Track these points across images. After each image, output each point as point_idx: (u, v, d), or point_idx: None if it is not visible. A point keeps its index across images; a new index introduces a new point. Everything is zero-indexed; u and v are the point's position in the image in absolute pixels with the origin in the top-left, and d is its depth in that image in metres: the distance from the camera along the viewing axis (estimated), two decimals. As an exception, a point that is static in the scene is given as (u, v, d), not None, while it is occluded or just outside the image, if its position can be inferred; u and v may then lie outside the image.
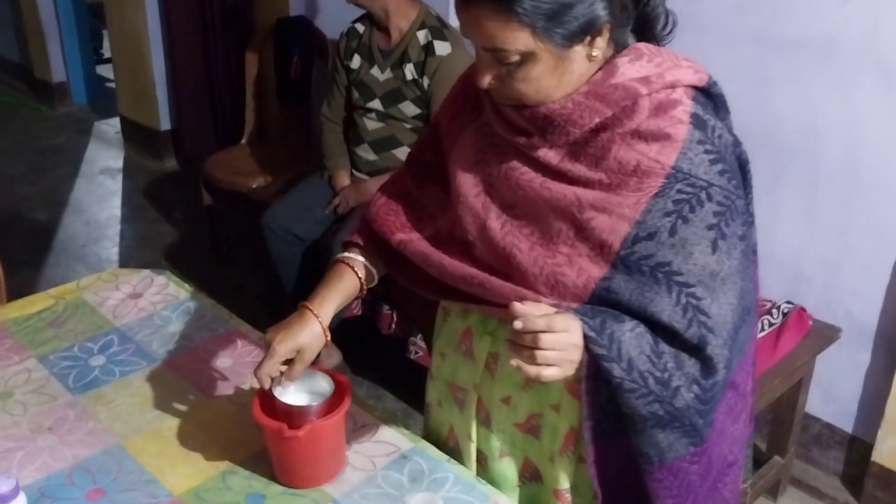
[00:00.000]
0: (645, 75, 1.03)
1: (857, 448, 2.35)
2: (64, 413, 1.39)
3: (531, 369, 0.98)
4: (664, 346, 1.04)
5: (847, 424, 2.37)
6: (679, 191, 1.02)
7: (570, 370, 1.02)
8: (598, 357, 1.02)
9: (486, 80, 1.04)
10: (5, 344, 1.57)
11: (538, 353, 0.98)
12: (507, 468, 1.26)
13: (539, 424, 1.21)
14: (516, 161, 1.11)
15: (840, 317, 2.27)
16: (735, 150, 1.09)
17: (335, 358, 2.82)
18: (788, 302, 2.27)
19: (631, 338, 1.02)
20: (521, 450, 1.24)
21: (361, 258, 1.29)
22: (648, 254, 1.03)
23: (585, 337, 1.01)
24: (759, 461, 2.34)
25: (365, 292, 1.29)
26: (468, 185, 1.16)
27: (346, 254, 1.30)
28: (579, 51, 1.01)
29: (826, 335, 2.22)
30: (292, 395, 1.26)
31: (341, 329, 2.76)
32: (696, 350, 1.04)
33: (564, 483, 1.21)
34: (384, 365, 2.83)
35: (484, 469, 1.29)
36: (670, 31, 1.12)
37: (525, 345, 0.98)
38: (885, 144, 2.09)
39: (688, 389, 1.04)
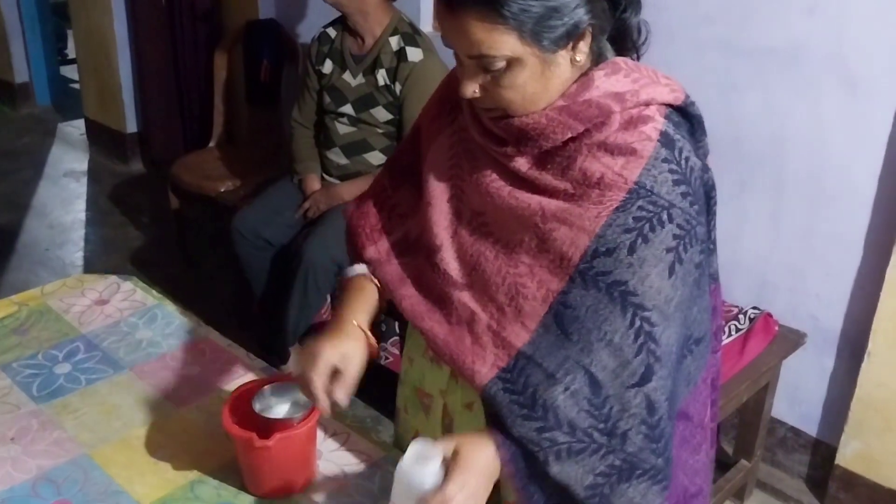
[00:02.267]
0: (620, 91, 1.03)
1: (822, 451, 2.39)
2: (28, 422, 1.37)
3: None
4: (607, 390, 1.02)
5: (812, 428, 2.41)
6: (640, 207, 1.00)
7: (482, 500, 1.03)
8: (538, 430, 1.02)
9: (471, 90, 1.03)
10: (-33, 352, 1.54)
11: None
12: None
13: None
14: (488, 168, 1.11)
15: (805, 322, 2.31)
16: (703, 176, 1.07)
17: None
18: (755, 308, 2.30)
19: (565, 399, 1.01)
20: None
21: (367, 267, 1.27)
22: (606, 270, 1.02)
23: (517, 415, 1.03)
24: (725, 464, 2.37)
25: (385, 303, 1.25)
26: (440, 189, 1.16)
27: (355, 268, 1.27)
28: (564, 55, 1.01)
29: (792, 340, 2.25)
30: (271, 406, 1.25)
31: (311, 335, 2.75)
32: (640, 384, 1.02)
33: None
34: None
35: None
36: (645, 41, 1.12)
37: None
38: (849, 152, 2.13)
39: (636, 431, 1.02)
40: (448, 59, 2.70)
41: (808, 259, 2.27)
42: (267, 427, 1.19)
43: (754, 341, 2.19)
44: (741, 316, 2.25)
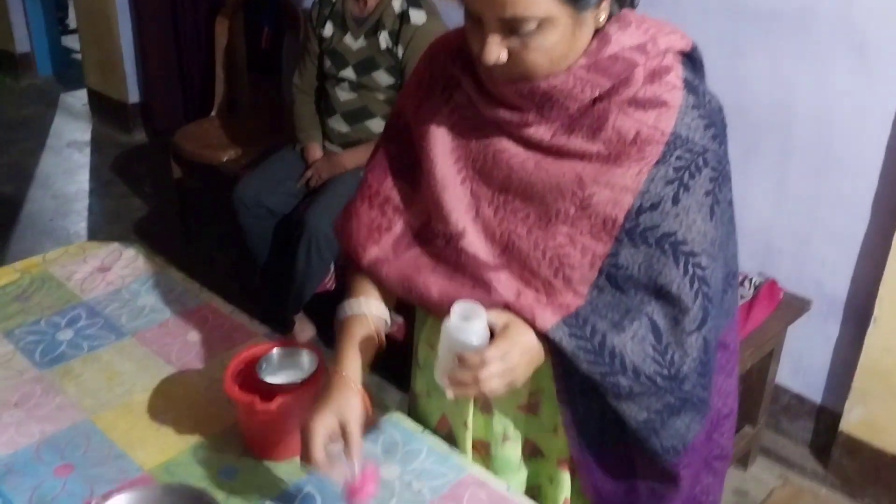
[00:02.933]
0: (639, 43, 1.02)
1: (826, 418, 2.39)
2: (31, 388, 1.37)
3: (480, 395, 1.03)
4: (668, 337, 1.05)
5: (816, 395, 2.40)
6: (678, 157, 1.02)
7: (521, 381, 1.04)
8: (602, 374, 1.04)
9: (496, 55, 0.97)
10: (-31, 318, 1.54)
11: (481, 387, 1.00)
12: (511, 451, 1.25)
13: (539, 401, 1.20)
14: (504, 142, 1.08)
15: (810, 289, 2.30)
16: (721, 115, 1.09)
17: (308, 332, 2.81)
18: (760, 274, 2.29)
19: (633, 346, 1.04)
20: (522, 431, 1.23)
21: (363, 299, 1.19)
22: (653, 224, 1.03)
23: (583, 360, 1.03)
24: (729, 431, 2.37)
25: (383, 340, 1.20)
26: (451, 172, 1.12)
27: (345, 308, 1.20)
28: (589, 15, 0.99)
29: (796, 307, 2.24)
30: (274, 371, 1.25)
31: (315, 303, 2.75)
32: (699, 328, 1.05)
33: (567, 452, 1.21)
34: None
35: (485, 456, 1.27)
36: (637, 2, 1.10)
37: (468, 382, 1.00)
38: (857, 118, 2.10)
39: (694, 371, 1.07)
40: (451, 21, 2.66)
41: (814, 225, 2.26)
42: (269, 392, 1.19)
43: (759, 308, 2.18)
44: (746, 283, 2.24)
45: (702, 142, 1.03)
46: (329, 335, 2.86)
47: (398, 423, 1.30)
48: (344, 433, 1.08)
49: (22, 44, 5.40)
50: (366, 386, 1.14)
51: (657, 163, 1.02)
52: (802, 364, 2.39)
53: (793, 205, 2.28)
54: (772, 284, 2.23)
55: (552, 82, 1.01)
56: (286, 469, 1.21)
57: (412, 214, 1.18)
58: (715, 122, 1.05)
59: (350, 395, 1.10)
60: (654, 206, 1.03)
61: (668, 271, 1.04)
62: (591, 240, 1.05)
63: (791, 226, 2.30)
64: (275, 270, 2.76)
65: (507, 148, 1.08)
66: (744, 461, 2.40)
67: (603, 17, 1.02)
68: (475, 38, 1.00)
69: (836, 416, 2.33)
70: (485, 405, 1.23)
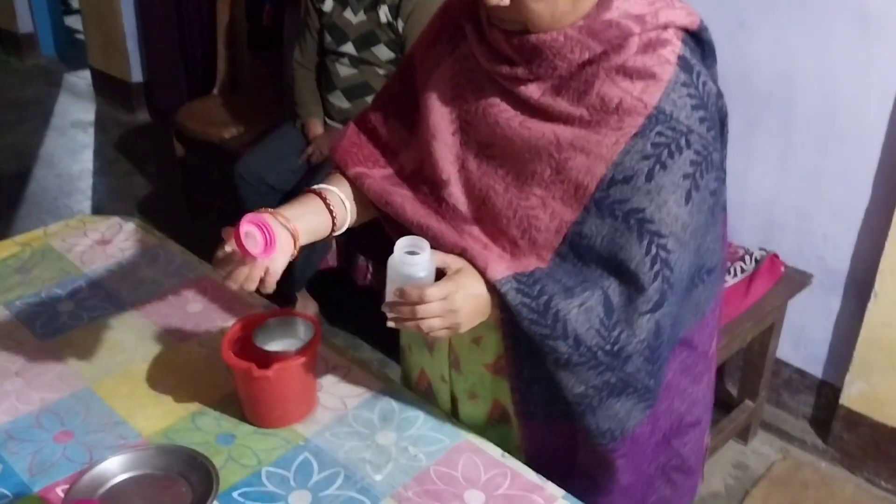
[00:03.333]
0: (639, 13, 1.01)
1: (826, 392, 2.39)
2: (31, 357, 1.38)
3: (419, 331, 1.02)
4: (619, 314, 1.02)
5: (817, 369, 2.41)
6: (659, 133, 0.99)
7: (465, 327, 1.03)
8: (542, 336, 1.01)
9: None
10: (-30, 290, 1.55)
11: (419, 322, 1.00)
12: (476, 410, 1.26)
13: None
14: (495, 97, 1.08)
15: (812, 263, 2.29)
16: (718, 102, 1.06)
17: (311, 309, 2.82)
18: (761, 249, 2.28)
19: (578, 314, 1.01)
20: (491, 391, 1.23)
21: (336, 190, 1.19)
22: (623, 198, 1.00)
23: (524, 318, 1.02)
24: (729, 405, 2.38)
25: (335, 231, 1.19)
26: (444, 122, 1.12)
27: (321, 185, 1.20)
28: None
29: (797, 281, 2.24)
30: (271, 339, 1.26)
31: (317, 281, 2.76)
32: (653, 310, 1.02)
33: None
34: (360, 316, 2.82)
35: (454, 411, 1.29)
36: None
37: (406, 315, 1.01)
38: (860, 90, 2.09)
39: (640, 354, 1.04)
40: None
41: (816, 199, 2.25)
42: (266, 359, 1.20)
43: (759, 282, 2.18)
44: (747, 257, 2.23)
45: (687, 121, 0.99)
46: (332, 312, 2.87)
47: (395, 393, 1.31)
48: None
49: (25, 24, 5.40)
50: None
51: (635, 135, 0.99)
52: (803, 338, 2.40)
53: (795, 179, 2.28)
54: (773, 258, 2.23)
55: (543, 37, 1.00)
56: (283, 435, 1.22)
57: (406, 158, 1.19)
58: (706, 105, 1.01)
59: (284, 239, 1.11)
60: (626, 180, 1.00)
61: (630, 247, 1.01)
62: (561, 205, 1.04)
63: (793, 200, 2.30)
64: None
65: (497, 104, 1.07)
66: (744, 435, 2.41)
67: None
68: None
69: (836, 390, 2.33)
70: (454, 361, 1.24)
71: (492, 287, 1.04)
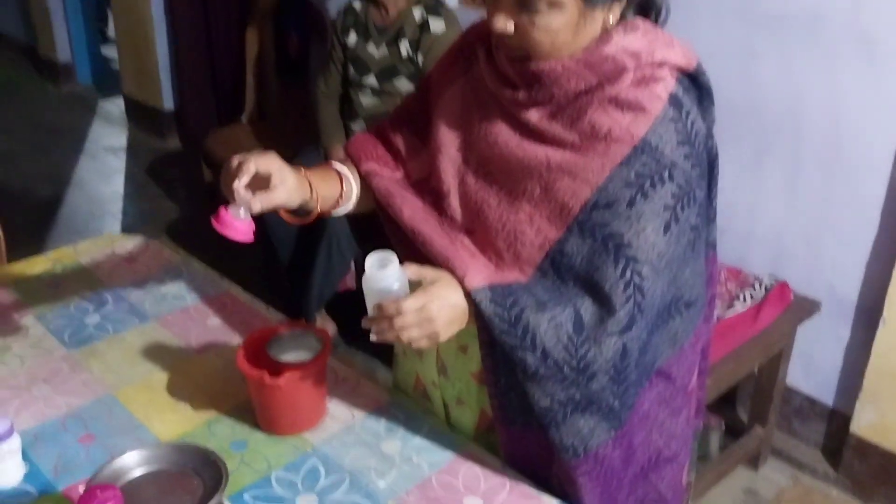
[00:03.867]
0: (636, 50, 1.06)
1: (837, 420, 2.40)
2: (59, 366, 1.46)
3: (400, 343, 1.07)
4: (589, 332, 1.05)
5: (827, 397, 2.42)
6: (643, 163, 1.04)
7: (443, 336, 1.08)
8: (511, 347, 1.06)
9: (503, 23, 1.04)
10: (4, 302, 1.64)
11: (398, 334, 1.05)
12: (464, 416, 1.30)
13: None
14: (498, 119, 1.15)
15: (821, 291, 2.32)
16: (707, 142, 1.11)
17: (330, 330, 2.89)
18: (771, 276, 2.31)
19: (547, 328, 1.05)
20: (478, 401, 1.27)
21: (349, 172, 1.27)
22: (604, 222, 1.05)
23: (496, 327, 1.06)
24: (739, 431, 2.40)
25: (339, 204, 1.25)
26: (451, 137, 1.20)
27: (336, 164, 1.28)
28: (600, 14, 1.05)
29: (806, 308, 2.27)
30: (283, 350, 1.32)
31: (335, 302, 2.83)
32: (621, 332, 1.06)
33: None
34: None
35: (447, 417, 1.34)
36: (665, 19, 1.15)
37: (384, 328, 1.06)
38: (867, 119, 2.13)
39: (604, 373, 1.07)
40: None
41: (824, 227, 2.28)
42: (279, 369, 1.26)
43: (768, 309, 2.21)
44: (756, 284, 2.27)
45: (671, 156, 1.04)
46: (350, 333, 2.93)
47: (401, 404, 1.37)
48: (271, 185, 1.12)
49: (63, 53, 5.59)
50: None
51: (620, 163, 1.04)
52: (814, 366, 2.41)
53: (804, 207, 2.31)
54: (782, 286, 2.26)
55: (542, 66, 1.06)
56: (293, 442, 1.28)
57: (414, 167, 1.27)
58: (692, 143, 1.06)
59: (293, 171, 1.15)
60: (608, 205, 1.05)
61: (606, 269, 1.05)
62: (546, 223, 1.09)
63: (802, 228, 2.33)
64: (298, 269, 2.84)
65: (499, 124, 1.14)
66: (754, 461, 2.42)
67: (613, 20, 1.07)
68: (491, 6, 1.06)
69: (847, 418, 2.34)
70: (441, 368, 1.29)
71: (470, 296, 1.09)
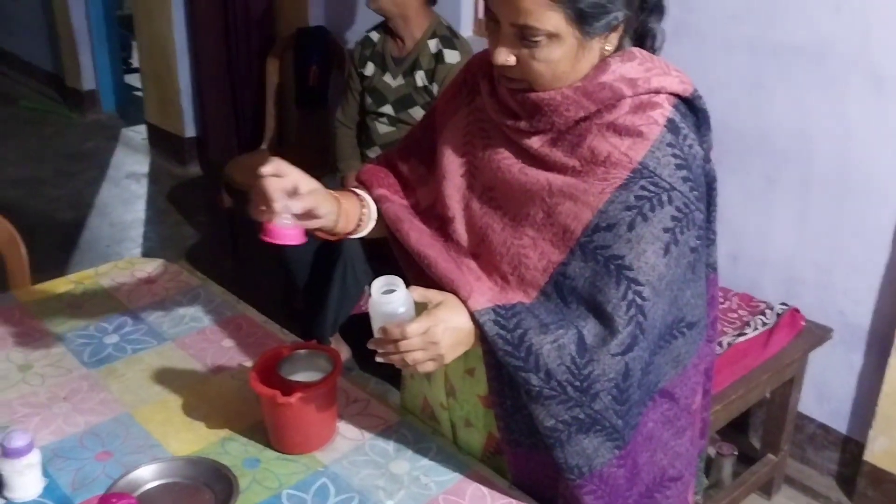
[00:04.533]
0: (632, 77, 1.10)
1: (851, 448, 2.40)
2: (78, 384, 1.50)
3: (405, 366, 1.09)
4: (592, 354, 1.07)
5: (841, 425, 2.41)
6: (642, 187, 1.07)
7: (448, 358, 1.11)
8: (515, 368, 1.08)
9: (504, 57, 1.08)
10: (27, 322, 1.68)
11: (404, 356, 1.08)
12: (472, 438, 1.32)
13: None
14: (501, 146, 1.19)
15: (833, 318, 2.33)
16: (704, 165, 1.14)
17: (344, 354, 2.92)
18: (783, 303, 2.32)
19: (550, 350, 1.07)
20: (485, 424, 1.29)
21: (367, 196, 1.31)
22: (605, 244, 1.08)
23: (500, 348, 1.08)
24: (752, 458, 2.39)
25: (359, 229, 1.28)
26: (455, 164, 1.24)
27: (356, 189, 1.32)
28: (597, 43, 1.09)
29: (817, 335, 2.28)
30: (295, 370, 1.35)
31: (350, 326, 2.86)
32: (624, 353, 1.08)
33: None
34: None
35: (454, 437, 1.36)
36: (660, 47, 1.19)
37: (390, 351, 1.09)
38: (875, 148, 2.15)
39: (607, 392, 1.09)
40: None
41: (836, 255, 2.30)
42: (290, 389, 1.29)
43: (779, 335, 2.22)
44: (768, 311, 2.28)
45: (670, 179, 1.07)
46: (364, 357, 2.96)
47: (410, 425, 1.39)
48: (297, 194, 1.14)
49: (88, 82, 5.72)
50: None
51: (620, 187, 1.07)
52: (827, 394, 2.41)
53: (815, 234, 2.33)
54: (793, 313, 2.27)
55: (542, 95, 1.10)
56: (304, 462, 1.31)
57: (422, 194, 1.30)
58: (690, 166, 1.09)
59: (318, 185, 1.17)
60: (609, 227, 1.08)
61: (608, 291, 1.07)
62: (550, 246, 1.12)
63: (813, 255, 2.34)
64: (313, 293, 2.88)
65: (502, 152, 1.18)
66: (767, 489, 2.41)
67: (610, 48, 1.11)
68: (493, 39, 1.10)
69: (860, 446, 2.34)
70: (450, 389, 1.31)
71: (475, 318, 1.11)
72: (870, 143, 2.16)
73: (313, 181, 1.17)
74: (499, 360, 1.11)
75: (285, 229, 1.14)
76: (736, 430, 2.54)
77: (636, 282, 1.07)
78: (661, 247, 1.07)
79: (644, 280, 1.07)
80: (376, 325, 1.12)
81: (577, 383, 1.08)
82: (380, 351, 1.11)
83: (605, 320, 1.08)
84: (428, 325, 1.08)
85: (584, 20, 1.04)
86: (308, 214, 1.16)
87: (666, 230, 1.07)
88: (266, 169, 1.13)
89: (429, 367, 1.10)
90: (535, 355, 1.07)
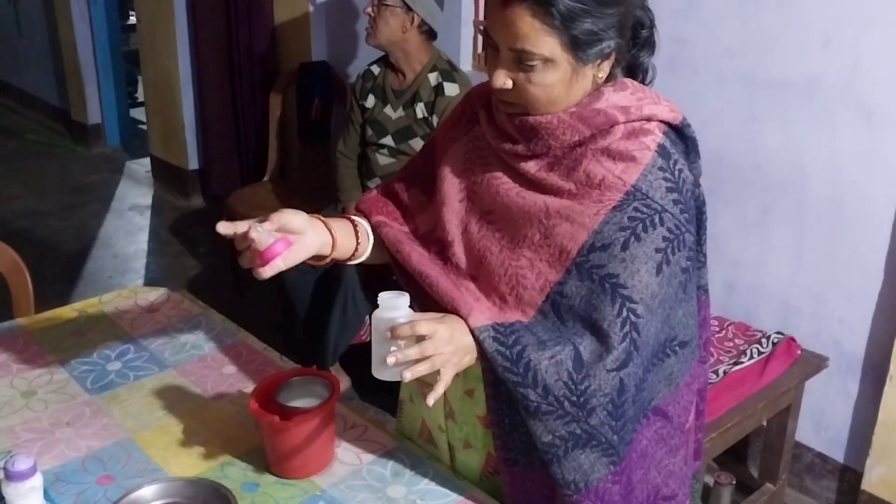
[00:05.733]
0: (625, 105, 1.15)
1: (849, 477, 2.40)
2: (81, 410, 1.52)
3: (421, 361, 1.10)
4: (588, 369, 1.10)
5: (838, 454, 2.42)
6: (635, 208, 1.11)
7: (446, 367, 1.11)
8: (514, 384, 1.11)
9: (502, 80, 1.12)
10: (31, 349, 1.71)
11: (424, 349, 1.09)
12: (471, 459, 1.34)
13: None
14: (499, 171, 1.23)
15: (829, 347, 2.35)
16: (694, 189, 1.19)
17: (343, 384, 2.93)
18: (779, 332, 2.34)
19: (548, 366, 1.10)
20: (484, 444, 1.31)
21: (364, 222, 1.33)
22: (600, 263, 1.12)
23: (499, 364, 1.11)
24: (750, 488, 2.40)
25: (356, 256, 1.31)
26: (454, 190, 1.28)
27: (354, 216, 1.34)
28: (590, 70, 1.13)
29: (813, 363, 2.29)
30: (293, 396, 1.37)
31: (350, 356, 2.88)
32: (619, 368, 1.11)
33: None
34: (391, 391, 2.92)
35: (452, 459, 1.38)
36: (651, 82, 1.24)
37: (412, 355, 1.09)
38: (866, 179, 2.19)
39: (603, 408, 1.11)
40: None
41: (830, 284, 2.32)
42: (288, 415, 1.31)
43: (775, 363, 2.23)
44: (764, 340, 2.30)
45: (661, 201, 1.12)
46: (363, 386, 2.97)
47: (407, 450, 1.41)
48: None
49: (94, 115, 5.81)
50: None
51: (614, 208, 1.12)
52: (824, 422, 2.42)
53: (810, 264, 2.36)
54: (789, 341, 2.29)
55: (539, 119, 1.15)
56: (302, 486, 1.33)
57: (421, 221, 1.34)
58: (680, 190, 1.13)
59: (317, 224, 1.21)
60: (604, 247, 1.12)
61: (604, 308, 1.11)
62: (546, 267, 1.16)
63: (809, 284, 2.37)
64: (314, 323, 2.91)
65: (500, 177, 1.22)
66: (766, 519, 2.41)
67: (603, 75, 1.16)
68: (491, 64, 1.15)
69: (858, 475, 2.34)
70: (449, 412, 1.34)
71: (475, 335, 1.14)
72: (861, 174, 2.20)
73: (295, 213, 1.19)
74: (497, 377, 1.14)
75: (271, 247, 1.14)
76: (734, 459, 2.55)
77: (630, 299, 1.11)
78: (654, 266, 1.11)
79: (638, 298, 1.11)
80: (378, 333, 1.14)
81: (574, 398, 1.11)
82: (397, 358, 1.09)
83: (600, 337, 1.12)
84: (437, 328, 1.10)
85: (577, 46, 1.09)
86: (283, 230, 1.16)
87: (658, 250, 1.12)
88: (220, 228, 1.16)
89: (424, 366, 1.10)
90: (533, 371, 1.10)
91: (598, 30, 1.08)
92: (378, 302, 1.15)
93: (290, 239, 1.17)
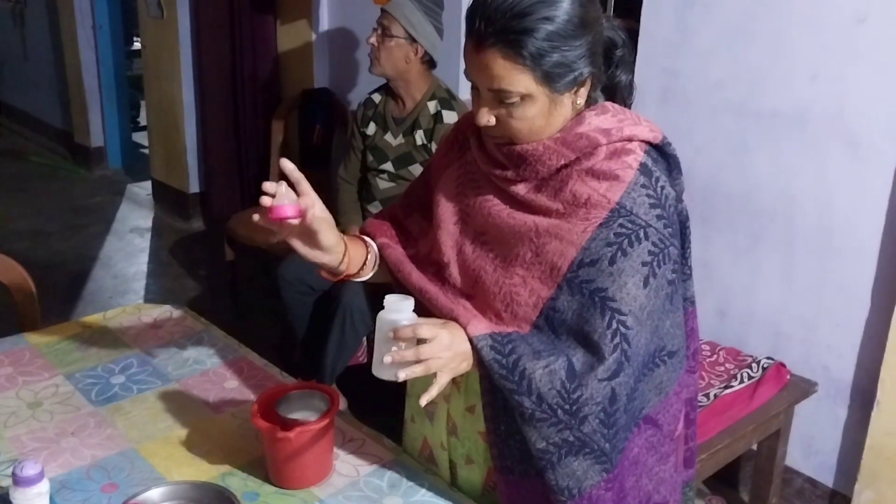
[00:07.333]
0: (607, 128, 1.21)
1: (838, 502, 2.43)
2: (86, 421, 1.56)
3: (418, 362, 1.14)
4: (581, 379, 1.15)
5: (828, 478, 2.45)
6: (621, 224, 1.17)
7: (443, 371, 1.16)
8: (509, 391, 1.16)
9: (486, 119, 1.19)
10: (37, 363, 1.75)
11: (421, 352, 1.13)
12: (473, 474, 1.39)
13: None
14: (490, 194, 1.29)
15: (818, 372, 2.39)
16: (676, 205, 1.25)
17: (340, 404, 2.96)
18: (769, 358, 2.39)
19: (542, 375, 1.15)
20: (485, 459, 1.35)
21: (373, 242, 1.40)
22: (590, 278, 1.18)
23: (495, 372, 1.16)
24: (741, 511, 2.43)
25: (363, 272, 1.36)
26: (448, 213, 1.34)
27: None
28: (568, 98, 1.19)
29: (802, 388, 2.34)
30: (293, 408, 1.41)
31: (347, 376, 2.91)
32: (610, 378, 1.15)
33: None
34: (389, 412, 2.95)
35: (453, 476, 1.42)
36: (632, 100, 1.31)
37: (408, 357, 1.14)
38: (854, 208, 2.25)
39: (595, 416, 1.16)
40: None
41: (819, 311, 2.37)
42: (288, 427, 1.35)
43: (765, 388, 2.28)
44: (754, 365, 2.34)
45: (645, 217, 1.17)
46: (360, 407, 3.00)
47: (403, 463, 1.45)
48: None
49: (97, 139, 5.88)
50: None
51: (600, 225, 1.17)
52: (813, 447, 2.46)
53: (799, 290, 2.41)
54: (779, 367, 2.34)
55: (525, 147, 1.21)
56: (301, 496, 1.36)
57: (422, 245, 1.40)
58: (664, 206, 1.19)
59: (326, 212, 1.25)
60: (592, 263, 1.17)
61: (594, 321, 1.16)
62: (539, 283, 1.21)
63: (798, 311, 2.42)
64: (312, 343, 2.95)
65: (491, 199, 1.28)
66: (757, 543, 2.44)
67: (581, 101, 1.22)
68: (476, 103, 1.22)
69: (848, 500, 2.37)
70: (452, 428, 1.38)
71: (473, 343, 1.19)
72: (848, 203, 2.26)
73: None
74: (494, 385, 1.19)
75: (281, 207, 1.20)
76: (725, 484, 2.58)
77: (619, 312, 1.16)
78: (641, 279, 1.17)
79: (627, 310, 1.16)
80: (381, 334, 1.18)
81: (567, 406, 1.15)
82: (394, 359, 1.14)
83: (592, 349, 1.17)
84: (438, 332, 1.15)
85: (551, 79, 1.15)
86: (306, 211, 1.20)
87: (644, 264, 1.17)
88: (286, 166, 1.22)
89: (420, 368, 1.14)
90: (528, 379, 1.15)
91: (568, 61, 1.14)
92: (384, 304, 1.20)
93: (301, 210, 1.20)
